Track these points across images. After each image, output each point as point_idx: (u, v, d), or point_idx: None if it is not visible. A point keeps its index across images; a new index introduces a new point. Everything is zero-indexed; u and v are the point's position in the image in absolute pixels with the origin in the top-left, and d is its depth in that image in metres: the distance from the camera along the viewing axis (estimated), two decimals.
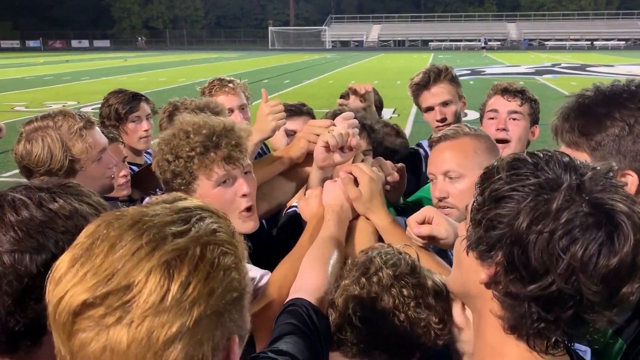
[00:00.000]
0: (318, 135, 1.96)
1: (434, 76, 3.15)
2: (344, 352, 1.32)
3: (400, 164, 2.44)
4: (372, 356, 1.30)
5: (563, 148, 1.44)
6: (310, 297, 1.39)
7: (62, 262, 0.79)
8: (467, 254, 1.05)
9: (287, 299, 1.42)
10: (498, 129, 2.79)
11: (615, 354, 1.26)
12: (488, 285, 1.01)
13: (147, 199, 1.75)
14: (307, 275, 1.50)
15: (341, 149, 1.93)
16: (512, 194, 0.96)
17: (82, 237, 0.81)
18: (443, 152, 2.02)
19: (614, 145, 1.32)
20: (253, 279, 1.72)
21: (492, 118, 2.87)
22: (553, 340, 0.97)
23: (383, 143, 2.96)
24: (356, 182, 1.79)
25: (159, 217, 0.82)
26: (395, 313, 1.29)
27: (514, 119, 2.83)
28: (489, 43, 60.05)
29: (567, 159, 0.99)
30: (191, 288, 0.76)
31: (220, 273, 0.80)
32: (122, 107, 3.39)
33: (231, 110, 3.25)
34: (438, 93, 3.16)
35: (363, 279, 1.34)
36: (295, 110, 3.24)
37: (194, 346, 0.76)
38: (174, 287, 0.75)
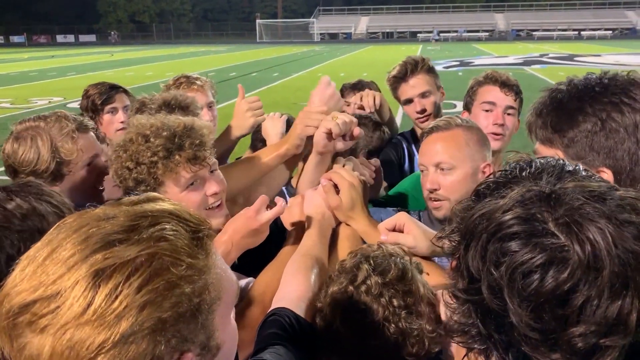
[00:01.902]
0: (315, 120, 1.92)
1: (411, 68, 3.13)
2: None
3: (375, 160, 2.42)
4: None
5: (537, 146, 1.40)
6: (293, 306, 1.35)
7: (19, 261, 0.76)
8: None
9: (270, 309, 1.38)
10: (495, 124, 2.76)
11: None
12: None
13: None
14: (289, 284, 1.46)
15: (343, 136, 1.91)
16: (488, 186, 0.88)
17: (42, 239, 0.78)
18: (435, 143, 2.00)
19: (587, 141, 1.27)
20: (241, 289, 1.70)
21: (489, 110, 2.82)
22: None
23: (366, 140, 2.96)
24: (337, 189, 1.76)
25: (109, 221, 0.77)
26: (385, 324, 1.23)
27: (509, 114, 2.80)
28: (439, 35, 60.07)
29: (570, 167, 0.87)
30: (118, 301, 0.70)
31: (160, 285, 0.73)
32: (98, 98, 3.31)
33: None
34: (416, 85, 3.13)
35: (351, 287, 1.29)
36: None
37: None
38: (98, 299, 0.70)
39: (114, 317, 0.70)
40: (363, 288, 1.27)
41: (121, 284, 0.71)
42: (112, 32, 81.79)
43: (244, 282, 1.68)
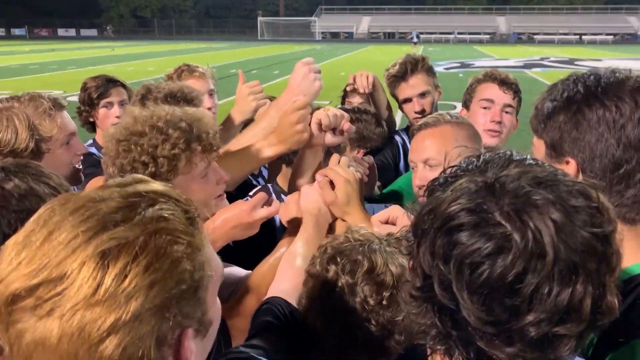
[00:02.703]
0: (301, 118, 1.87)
1: (410, 67, 3.12)
2: (327, 358, 1.28)
3: (368, 157, 2.42)
4: (354, 357, 1.26)
5: (534, 139, 1.45)
6: (287, 296, 1.37)
7: (5, 247, 0.76)
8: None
9: (265, 299, 1.41)
10: (493, 121, 2.77)
11: (587, 347, 1.25)
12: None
13: None
14: (284, 276, 1.48)
15: (333, 130, 1.90)
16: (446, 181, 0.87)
17: (29, 222, 0.77)
18: (423, 140, 2.02)
19: (558, 132, 1.33)
20: (240, 279, 1.71)
21: (487, 108, 2.82)
22: None
23: (362, 133, 2.96)
24: (333, 185, 1.76)
25: (104, 202, 0.77)
26: (365, 322, 1.22)
27: (507, 112, 2.81)
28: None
29: (517, 157, 0.86)
30: (128, 280, 0.71)
31: (165, 264, 0.74)
32: (95, 91, 3.26)
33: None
34: (416, 84, 3.12)
35: (323, 292, 1.27)
36: None
37: (133, 341, 0.71)
38: (108, 279, 0.70)
39: (124, 296, 0.71)
40: (336, 290, 1.25)
41: (129, 264, 0.72)
42: (108, 27, 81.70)
43: (243, 274, 1.71)
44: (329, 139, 1.92)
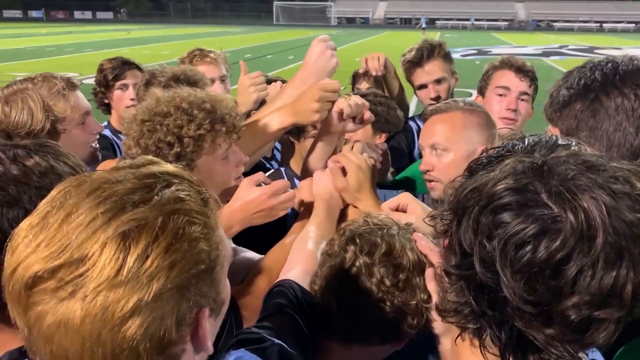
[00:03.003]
0: (330, 100, 1.85)
1: (427, 53, 3.07)
2: (338, 340, 1.30)
3: (382, 143, 2.40)
4: (365, 339, 1.28)
5: (549, 127, 1.43)
6: (299, 279, 1.39)
7: (20, 230, 0.75)
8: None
9: (277, 281, 1.42)
10: (508, 109, 2.73)
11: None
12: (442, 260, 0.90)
13: None
14: (296, 259, 1.50)
15: (353, 118, 1.89)
16: (482, 162, 0.87)
17: (42, 204, 0.77)
18: (433, 125, 2.01)
19: (575, 121, 1.31)
20: (253, 262, 1.72)
21: (502, 95, 2.78)
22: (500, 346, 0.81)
23: (385, 117, 2.93)
24: (345, 172, 1.76)
25: (120, 184, 0.77)
26: (380, 304, 1.24)
27: (523, 100, 2.76)
28: (423, 23, 57.71)
29: (562, 141, 0.86)
30: (150, 261, 0.72)
31: (185, 244, 0.75)
32: (110, 73, 3.27)
33: (212, 81, 3.12)
34: (432, 71, 3.08)
35: (341, 272, 1.28)
36: None
37: (154, 321, 0.72)
38: (130, 260, 0.71)
39: (147, 277, 0.71)
40: (353, 271, 1.27)
41: (150, 245, 0.72)
42: (122, 10, 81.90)
43: (256, 258, 1.73)
44: (350, 127, 1.91)
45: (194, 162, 1.61)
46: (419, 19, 51.03)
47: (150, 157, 0.88)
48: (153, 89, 1.83)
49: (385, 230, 1.31)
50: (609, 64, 1.32)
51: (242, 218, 1.63)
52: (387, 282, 1.23)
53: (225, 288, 0.87)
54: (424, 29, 47.83)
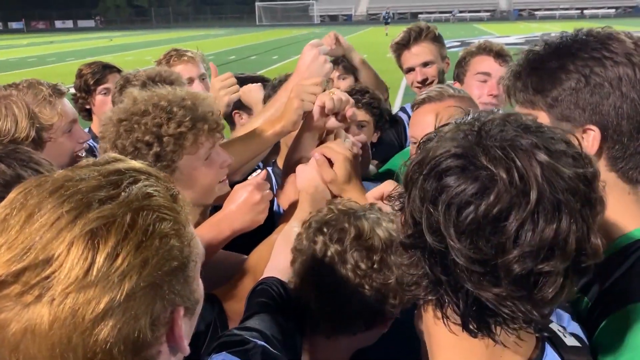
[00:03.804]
0: (311, 95, 1.81)
1: (414, 35, 3.04)
2: (323, 334, 1.28)
3: (361, 136, 2.35)
4: (350, 328, 1.26)
5: (517, 108, 1.36)
6: (282, 275, 1.36)
7: None
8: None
9: (260, 279, 1.40)
10: (490, 94, 2.71)
11: (581, 311, 1.24)
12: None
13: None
14: (278, 256, 1.46)
15: (335, 115, 1.84)
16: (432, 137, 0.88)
17: (0, 207, 0.73)
18: (425, 115, 1.94)
19: (572, 99, 1.23)
20: (239, 264, 1.68)
21: (484, 81, 2.76)
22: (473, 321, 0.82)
23: (385, 114, 2.86)
24: (330, 163, 1.72)
25: (84, 182, 0.74)
26: (359, 288, 1.22)
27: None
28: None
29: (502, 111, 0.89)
30: (120, 259, 0.68)
31: (156, 241, 0.72)
32: (91, 78, 3.21)
33: (191, 80, 3.06)
34: (419, 53, 3.04)
35: (314, 264, 1.26)
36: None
37: (128, 322, 0.69)
38: (100, 259, 0.67)
39: (118, 275, 0.68)
40: (326, 261, 1.24)
41: (120, 242, 0.69)
42: (97, 18, 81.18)
43: (242, 259, 1.69)
44: (331, 123, 1.85)
45: (175, 162, 1.55)
46: (387, 12, 46.98)
47: (114, 154, 0.84)
48: (129, 89, 1.77)
49: (351, 215, 1.29)
50: (579, 35, 1.28)
51: (234, 217, 1.58)
52: (363, 266, 1.21)
53: (199, 287, 0.84)
54: (387, 23, 43.50)
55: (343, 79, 3.41)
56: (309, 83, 1.83)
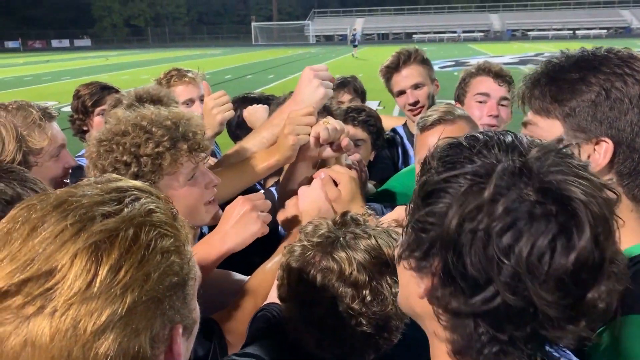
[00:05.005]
0: (305, 127, 1.79)
1: (404, 58, 3.08)
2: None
3: (356, 156, 2.38)
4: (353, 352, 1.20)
5: (531, 115, 1.38)
6: None
7: None
8: (399, 264, 0.89)
9: (262, 305, 1.38)
10: (490, 115, 2.73)
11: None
12: (430, 301, 0.83)
13: None
14: None
15: (330, 144, 1.82)
16: (444, 186, 0.79)
17: (2, 222, 0.74)
18: (440, 137, 1.93)
19: (590, 111, 1.25)
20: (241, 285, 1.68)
21: (482, 102, 2.79)
22: None
23: (382, 133, 2.88)
24: (335, 183, 1.72)
25: (87, 197, 0.74)
26: (358, 328, 1.15)
27: (503, 105, 2.77)
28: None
29: (510, 137, 0.81)
30: (123, 272, 0.69)
31: (157, 256, 0.73)
32: (89, 99, 3.18)
33: (192, 101, 3.07)
34: (409, 75, 3.09)
35: (306, 313, 1.20)
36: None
37: (128, 336, 0.69)
38: (103, 271, 0.67)
39: (120, 288, 0.68)
40: (316, 309, 1.17)
41: (123, 255, 0.69)
42: (84, 36, 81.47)
43: (244, 279, 1.68)
44: (327, 152, 1.83)
45: (155, 183, 1.53)
46: (354, 34, 41.67)
47: (114, 175, 0.86)
48: (115, 110, 1.74)
49: (328, 246, 1.21)
50: (601, 50, 1.29)
51: (225, 232, 1.56)
52: (356, 307, 1.15)
53: (197, 308, 0.84)
54: (355, 46, 39.99)
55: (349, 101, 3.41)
56: (301, 114, 1.80)
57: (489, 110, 2.74)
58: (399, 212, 1.61)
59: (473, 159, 0.79)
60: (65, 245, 0.68)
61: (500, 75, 2.79)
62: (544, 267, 0.71)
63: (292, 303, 1.24)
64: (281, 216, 1.75)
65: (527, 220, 0.71)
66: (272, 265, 1.61)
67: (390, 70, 3.13)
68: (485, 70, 2.84)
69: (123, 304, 0.68)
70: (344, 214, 1.31)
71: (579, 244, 0.70)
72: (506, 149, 0.79)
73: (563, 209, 0.71)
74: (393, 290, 1.15)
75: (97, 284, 0.67)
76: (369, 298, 1.15)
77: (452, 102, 2.92)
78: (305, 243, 1.25)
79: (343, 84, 3.55)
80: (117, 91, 3.28)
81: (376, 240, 1.21)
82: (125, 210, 0.74)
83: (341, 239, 1.22)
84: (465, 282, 0.75)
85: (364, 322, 1.15)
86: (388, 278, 1.17)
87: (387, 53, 3.53)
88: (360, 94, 3.59)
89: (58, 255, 0.67)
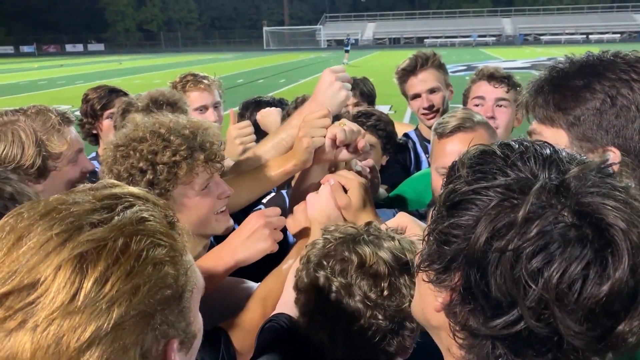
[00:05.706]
0: (320, 130, 1.77)
1: (421, 62, 3.07)
2: None
3: (369, 161, 2.34)
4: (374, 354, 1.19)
5: (535, 124, 1.33)
6: (292, 311, 1.31)
7: None
8: (417, 274, 0.85)
9: (271, 315, 1.36)
10: (486, 117, 2.73)
11: None
12: (447, 315, 0.79)
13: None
14: (290, 290, 1.41)
15: (347, 146, 1.80)
16: (473, 197, 0.73)
17: None
18: (461, 144, 1.88)
19: (595, 119, 1.20)
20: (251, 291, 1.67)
21: (478, 105, 2.79)
22: None
23: (393, 137, 2.86)
24: (344, 189, 1.68)
25: (78, 205, 0.71)
26: (373, 322, 1.14)
27: (501, 106, 2.76)
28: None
29: (548, 150, 0.76)
30: (109, 285, 0.65)
31: (149, 268, 0.69)
32: (97, 102, 3.19)
33: (205, 108, 3.07)
34: (425, 79, 3.07)
35: (321, 303, 1.18)
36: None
37: (116, 353, 0.65)
38: (87, 284, 0.64)
39: (106, 302, 0.64)
40: (332, 297, 1.16)
41: (110, 267, 0.66)
42: (90, 41, 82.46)
43: (254, 286, 1.66)
44: (343, 155, 1.81)
45: (170, 191, 1.53)
46: (348, 39, 39.40)
47: (112, 180, 0.82)
48: (133, 115, 1.74)
49: (349, 241, 1.21)
50: (607, 55, 1.25)
51: (236, 245, 1.56)
52: (372, 296, 1.13)
53: (197, 320, 0.80)
54: (347, 51, 38.24)
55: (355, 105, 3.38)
56: (316, 117, 1.78)
57: (484, 112, 2.71)
58: (400, 219, 1.59)
59: (506, 171, 0.73)
60: (49, 256, 0.65)
61: (494, 77, 2.79)
62: (574, 295, 0.66)
63: (307, 294, 1.22)
64: (290, 222, 1.73)
65: (561, 243, 0.66)
66: (280, 273, 1.58)
67: (407, 73, 3.12)
68: (479, 74, 2.87)
69: (109, 318, 0.64)
70: (368, 223, 1.31)
71: (614, 275, 0.65)
72: (543, 163, 0.73)
73: (600, 234, 0.66)
74: (411, 291, 1.13)
75: (82, 298, 0.63)
76: (386, 292, 1.14)
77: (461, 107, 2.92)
78: (328, 237, 1.26)
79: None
80: (125, 94, 3.28)
81: (399, 243, 1.21)
82: (116, 218, 0.70)
83: (364, 236, 1.23)
84: (486, 303, 0.71)
85: (380, 317, 1.13)
86: (407, 278, 1.16)
87: (398, 57, 3.52)
88: (367, 97, 3.56)
89: (41, 267, 0.64)
